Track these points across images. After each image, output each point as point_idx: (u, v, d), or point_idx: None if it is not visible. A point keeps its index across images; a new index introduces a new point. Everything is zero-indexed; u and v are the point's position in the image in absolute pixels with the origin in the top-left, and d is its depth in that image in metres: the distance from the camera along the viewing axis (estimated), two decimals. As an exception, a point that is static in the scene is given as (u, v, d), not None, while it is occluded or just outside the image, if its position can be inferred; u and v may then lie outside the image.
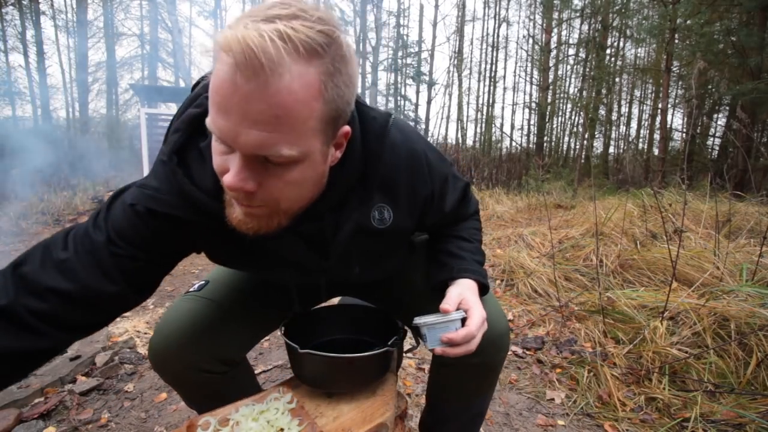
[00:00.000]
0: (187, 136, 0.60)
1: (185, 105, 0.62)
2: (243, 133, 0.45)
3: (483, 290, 0.79)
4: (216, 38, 0.44)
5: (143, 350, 1.89)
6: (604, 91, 12.67)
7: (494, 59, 18.88)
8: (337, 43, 0.46)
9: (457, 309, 0.72)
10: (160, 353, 0.77)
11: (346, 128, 0.56)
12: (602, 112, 13.55)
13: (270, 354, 1.91)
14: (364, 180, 0.65)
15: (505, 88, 19.92)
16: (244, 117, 0.44)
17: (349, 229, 0.66)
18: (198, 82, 0.64)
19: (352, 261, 0.74)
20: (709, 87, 10.19)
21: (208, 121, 0.48)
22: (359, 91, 0.59)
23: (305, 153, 0.49)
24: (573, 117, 17.49)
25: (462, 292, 0.74)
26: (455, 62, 16.95)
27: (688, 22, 8.08)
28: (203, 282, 0.88)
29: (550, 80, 13.63)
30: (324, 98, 0.47)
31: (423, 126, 17.59)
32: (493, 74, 18.83)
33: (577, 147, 15.26)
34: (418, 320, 0.72)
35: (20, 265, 0.59)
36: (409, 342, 0.99)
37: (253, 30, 0.41)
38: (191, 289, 0.86)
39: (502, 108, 21.48)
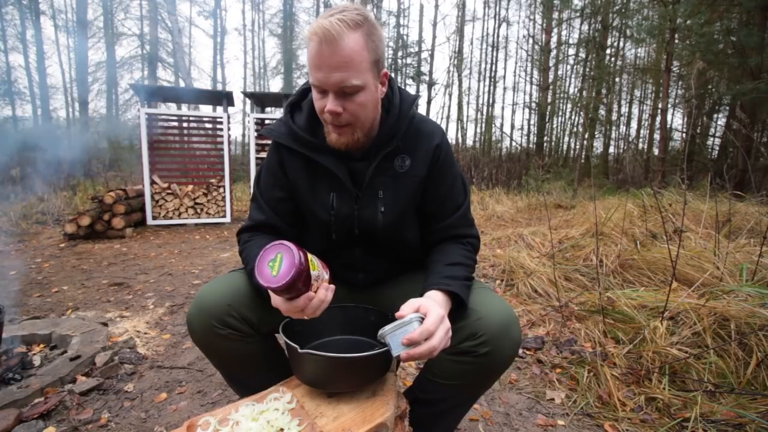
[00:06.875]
0: (297, 98, 0.96)
1: (296, 92, 0.98)
2: (330, 77, 0.76)
3: (458, 301, 0.83)
4: (307, 31, 0.77)
5: (143, 350, 1.89)
6: (604, 91, 12.67)
7: (494, 59, 18.94)
8: (368, 19, 0.79)
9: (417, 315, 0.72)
10: (196, 304, 0.87)
11: (385, 71, 0.86)
12: (602, 112, 13.55)
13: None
14: (393, 136, 0.91)
15: (505, 88, 20.00)
16: (329, 67, 0.75)
17: (377, 166, 0.91)
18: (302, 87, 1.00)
19: (377, 198, 0.94)
20: (709, 87, 10.20)
21: (311, 80, 0.80)
22: None
23: (365, 83, 0.79)
24: (573, 117, 17.53)
25: (421, 301, 0.76)
26: (455, 62, 16.97)
27: (688, 22, 8.07)
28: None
29: (550, 80, 13.64)
30: (368, 48, 0.78)
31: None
32: (493, 74, 18.88)
33: (577, 147, 15.27)
34: (380, 332, 0.72)
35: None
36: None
37: (324, 21, 0.73)
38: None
39: (502, 108, 21.61)
